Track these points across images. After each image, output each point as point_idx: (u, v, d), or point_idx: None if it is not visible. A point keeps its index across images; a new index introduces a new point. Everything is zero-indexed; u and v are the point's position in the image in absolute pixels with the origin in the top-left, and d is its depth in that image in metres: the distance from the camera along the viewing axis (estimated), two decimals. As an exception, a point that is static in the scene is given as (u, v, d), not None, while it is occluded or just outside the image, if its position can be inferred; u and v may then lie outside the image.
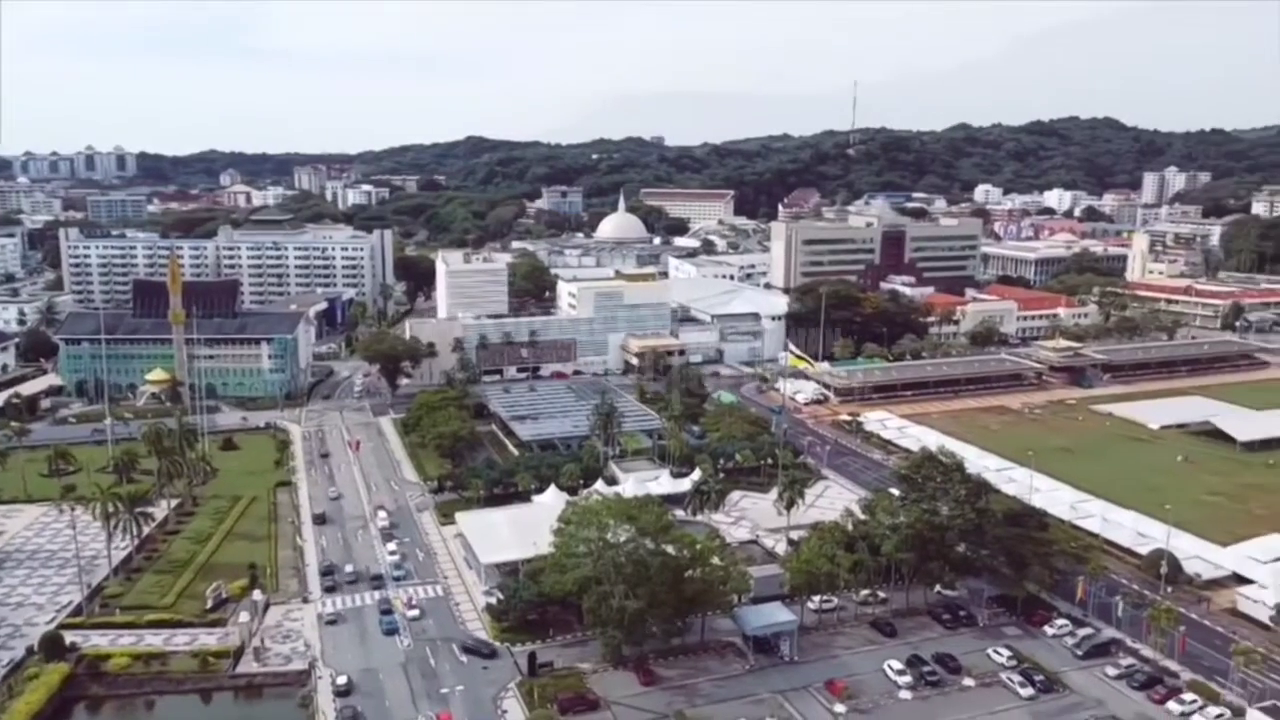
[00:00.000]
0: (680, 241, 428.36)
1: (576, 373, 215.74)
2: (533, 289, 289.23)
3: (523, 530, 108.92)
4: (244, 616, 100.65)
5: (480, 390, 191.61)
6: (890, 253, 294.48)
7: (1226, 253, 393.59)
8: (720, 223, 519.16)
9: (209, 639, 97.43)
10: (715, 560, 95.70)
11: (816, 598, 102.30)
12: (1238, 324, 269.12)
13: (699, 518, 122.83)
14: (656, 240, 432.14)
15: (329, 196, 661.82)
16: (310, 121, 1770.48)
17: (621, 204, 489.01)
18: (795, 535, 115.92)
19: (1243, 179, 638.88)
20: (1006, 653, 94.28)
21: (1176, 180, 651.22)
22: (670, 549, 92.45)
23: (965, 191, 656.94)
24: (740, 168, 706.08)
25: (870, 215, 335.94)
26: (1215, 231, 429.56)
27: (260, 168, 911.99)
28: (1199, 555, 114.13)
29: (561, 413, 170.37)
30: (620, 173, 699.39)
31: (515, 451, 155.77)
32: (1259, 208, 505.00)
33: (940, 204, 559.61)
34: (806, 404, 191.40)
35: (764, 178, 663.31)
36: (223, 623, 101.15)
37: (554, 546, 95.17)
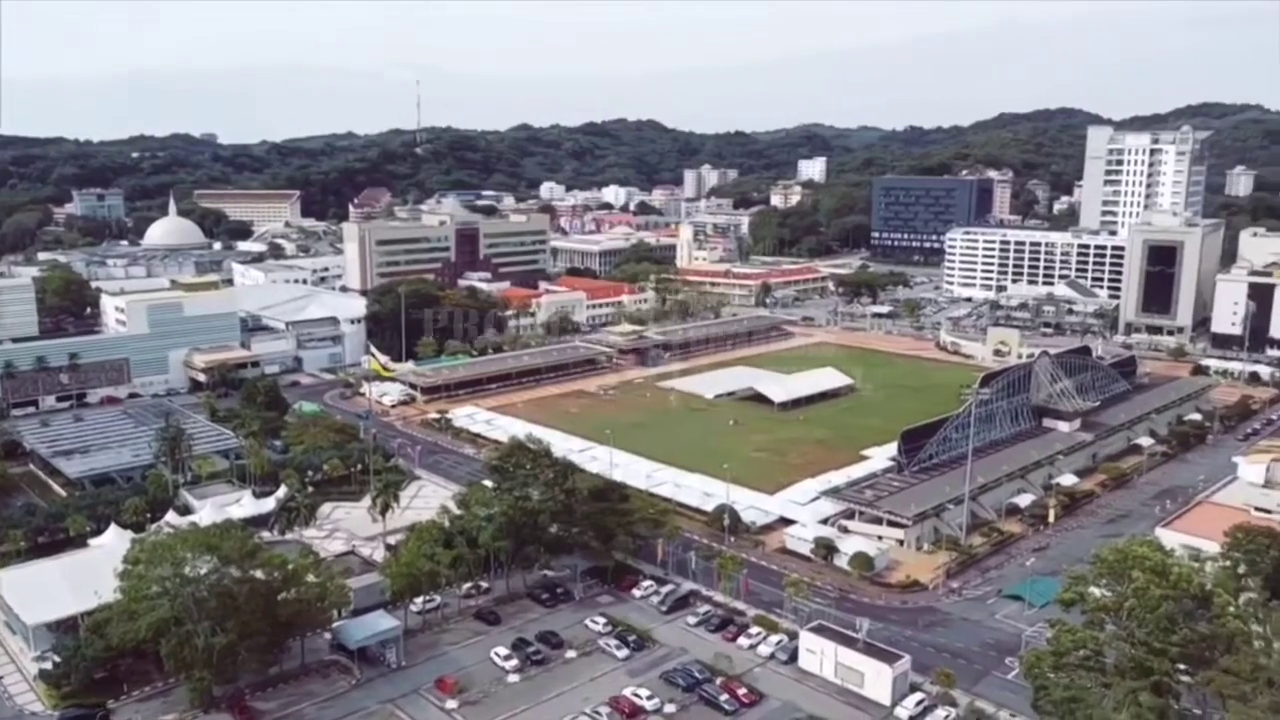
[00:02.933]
0: (245, 246, 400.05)
1: (132, 395, 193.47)
2: (71, 305, 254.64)
3: (80, 580, 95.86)
4: None
5: (10, 426, 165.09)
6: (465, 250, 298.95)
7: (754, 239, 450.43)
8: (288, 225, 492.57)
9: None
10: (310, 578, 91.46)
11: (419, 599, 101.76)
12: (767, 300, 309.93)
13: (289, 536, 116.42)
14: (217, 245, 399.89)
15: None
16: None
17: (172, 207, 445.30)
18: (393, 540, 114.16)
19: (762, 175, 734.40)
20: (602, 620, 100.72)
21: (711, 177, 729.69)
22: (259, 574, 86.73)
23: (531, 189, 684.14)
24: (305, 167, 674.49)
25: (443, 213, 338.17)
26: (744, 221, 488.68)
27: None
28: (754, 505, 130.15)
29: (118, 442, 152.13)
30: (168, 172, 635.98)
31: (63, 492, 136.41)
32: (776, 200, 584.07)
33: (509, 201, 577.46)
34: (394, 406, 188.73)
35: (331, 177, 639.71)
36: None
37: (121, 592, 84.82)
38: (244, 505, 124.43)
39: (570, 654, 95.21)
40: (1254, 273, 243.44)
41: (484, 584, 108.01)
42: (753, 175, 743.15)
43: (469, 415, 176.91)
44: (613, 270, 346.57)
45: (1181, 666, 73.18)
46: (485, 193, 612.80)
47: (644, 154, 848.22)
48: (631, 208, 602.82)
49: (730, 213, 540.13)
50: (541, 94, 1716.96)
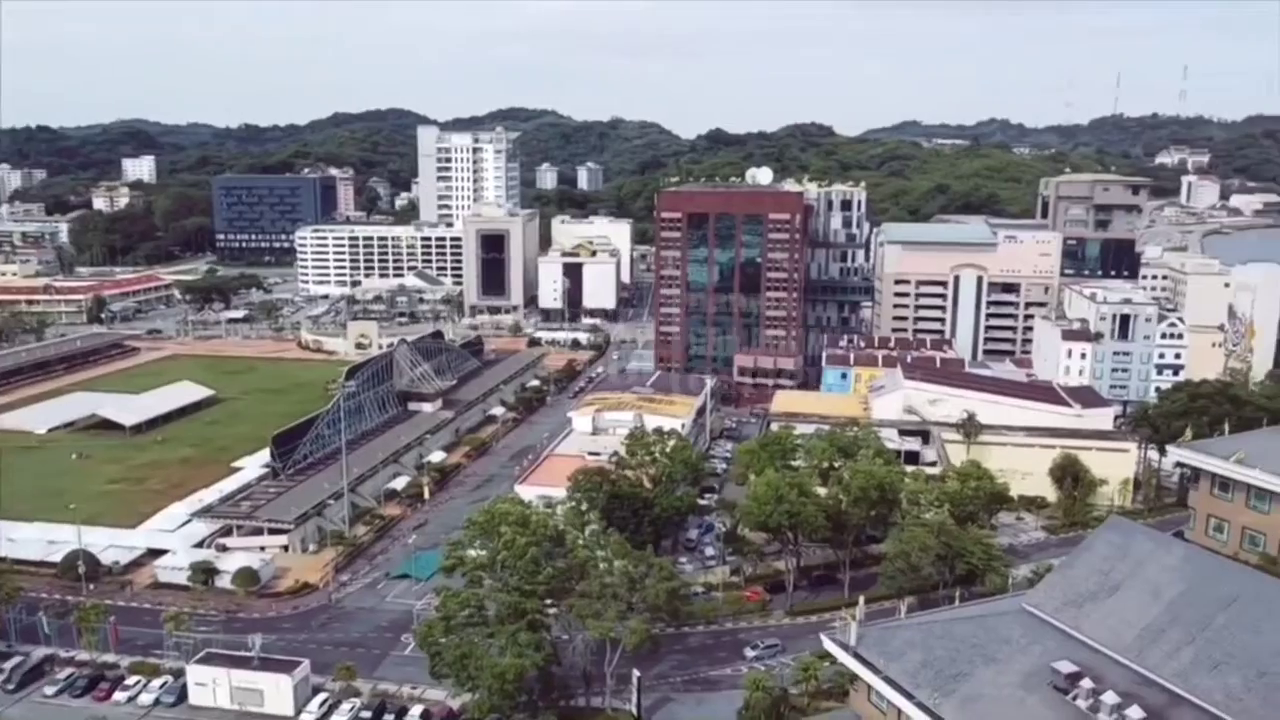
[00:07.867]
0: None
1: None
2: None
3: None
4: None
5: None
6: None
7: (79, 248, 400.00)
8: None
9: None
10: None
11: None
12: (104, 315, 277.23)
13: None
14: None
15: None
16: None
17: None
18: None
19: (78, 176, 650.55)
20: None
21: (13, 178, 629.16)
22: None
23: None
24: None
25: None
26: (64, 228, 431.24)
27: None
28: (114, 543, 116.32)
29: None
30: None
31: None
32: (100, 203, 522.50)
33: None
34: None
35: None
36: None
37: None
38: None
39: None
40: (565, 254, 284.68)
41: None
42: (67, 176, 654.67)
43: None
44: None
45: (549, 601, 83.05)
46: None
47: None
48: None
49: (43, 219, 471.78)
50: None
